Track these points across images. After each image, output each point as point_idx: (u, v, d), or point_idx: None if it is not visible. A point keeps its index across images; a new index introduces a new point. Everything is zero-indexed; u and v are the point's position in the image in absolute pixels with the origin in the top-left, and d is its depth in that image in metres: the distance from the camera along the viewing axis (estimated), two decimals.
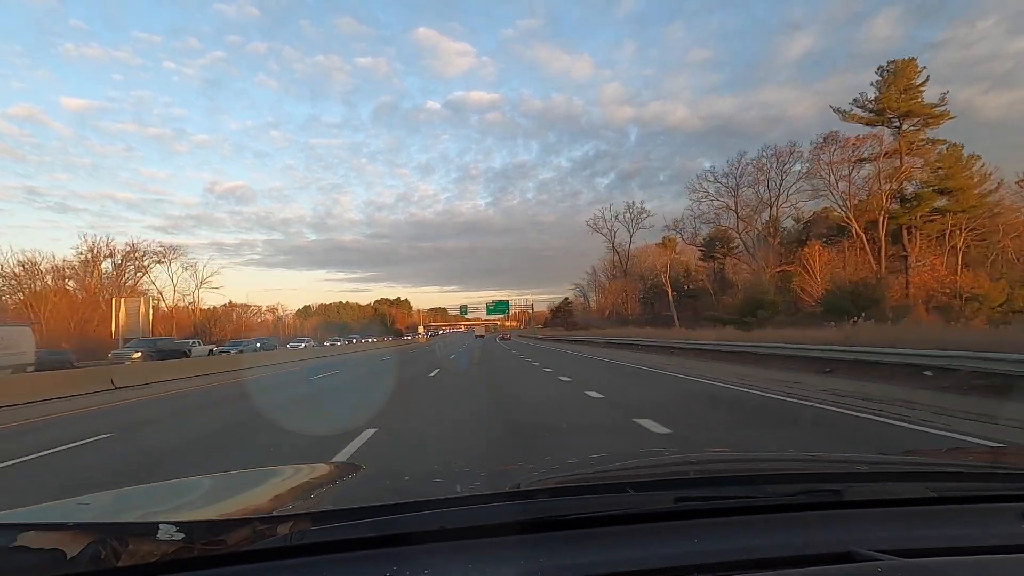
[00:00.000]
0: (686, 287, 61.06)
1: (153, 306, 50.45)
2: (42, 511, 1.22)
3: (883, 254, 39.34)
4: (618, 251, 73.23)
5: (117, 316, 37.87)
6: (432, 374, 17.23)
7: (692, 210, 54.79)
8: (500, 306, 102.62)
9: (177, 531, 0.88)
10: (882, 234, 39.05)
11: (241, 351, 38.89)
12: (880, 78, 40.07)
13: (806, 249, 41.99)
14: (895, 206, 39.59)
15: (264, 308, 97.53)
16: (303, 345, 54.02)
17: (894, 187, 39.24)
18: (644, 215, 69.30)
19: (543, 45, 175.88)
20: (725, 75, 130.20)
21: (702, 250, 58.38)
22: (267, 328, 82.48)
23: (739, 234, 51.96)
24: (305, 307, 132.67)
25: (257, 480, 1.59)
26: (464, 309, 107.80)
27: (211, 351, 37.58)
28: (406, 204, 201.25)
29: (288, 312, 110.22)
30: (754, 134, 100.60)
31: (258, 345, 45.80)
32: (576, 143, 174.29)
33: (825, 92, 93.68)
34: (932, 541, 0.99)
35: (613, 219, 72.36)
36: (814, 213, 46.83)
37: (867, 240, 40.00)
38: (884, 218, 39.00)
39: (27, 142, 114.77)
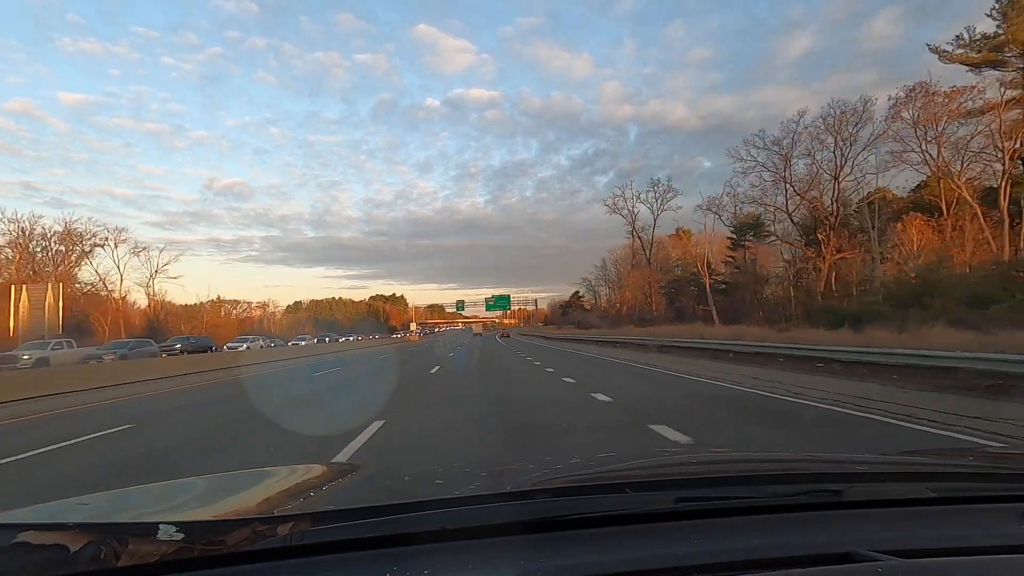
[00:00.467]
0: (708, 281, 50.81)
1: (91, 298, 42.24)
2: (42, 511, 1.23)
3: (1007, 230, 30.34)
4: (640, 236, 62.78)
5: (16, 307, 30.67)
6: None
7: (731, 186, 44.15)
8: (500, 301, 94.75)
9: (177, 531, 0.89)
10: (1004, 204, 30.27)
11: (123, 356, 26.04)
12: (998, 3, 29.57)
13: (899, 225, 34.21)
14: (1015, 170, 30.60)
15: (254, 304, 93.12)
16: (244, 347, 39.84)
17: (1017, 146, 30.11)
18: (671, 195, 58.92)
19: (543, 43, 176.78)
20: (725, 74, 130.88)
21: (731, 238, 49.68)
22: (250, 325, 73.73)
23: (789, 213, 41.32)
24: (295, 303, 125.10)
25: (257, 480, 1.60)
26: (460, 305, 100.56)
27: (89, 358, 24.88)
28: (405, 201, 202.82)
29: (279, 308, 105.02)
30: (753, 133, 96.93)
31: (177, 347, 33.34)
32: (575, 141, 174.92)
33: (824, 92, 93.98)
34: (932, 541, 0.98)
35: (635, 199, 61.69)
36: (879, 191, 37.31)
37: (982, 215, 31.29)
38: (1006, 185, 30.33)
39: (24, 137, 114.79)
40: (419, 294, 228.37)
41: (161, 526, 0.91)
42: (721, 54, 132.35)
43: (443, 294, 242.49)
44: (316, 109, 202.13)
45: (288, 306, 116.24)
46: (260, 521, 0.95)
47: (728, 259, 52.64)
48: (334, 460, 6.06)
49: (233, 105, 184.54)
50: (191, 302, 67.74)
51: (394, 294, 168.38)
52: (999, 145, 31.02)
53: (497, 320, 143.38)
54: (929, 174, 34.87)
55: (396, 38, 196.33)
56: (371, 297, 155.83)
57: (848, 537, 0.96)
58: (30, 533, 0.88)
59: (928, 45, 33.33)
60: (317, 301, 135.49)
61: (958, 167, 33.16)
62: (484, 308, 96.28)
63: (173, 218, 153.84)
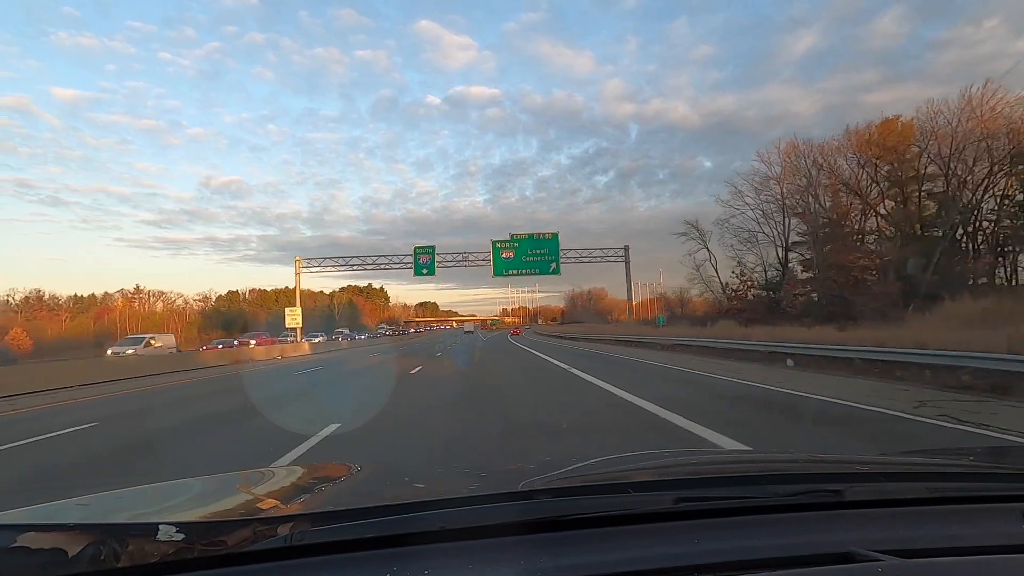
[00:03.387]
0: None
1: None
2: (42, 512, 1.23)
3: None
4: None
5: None
6: None
7: None
8: (538, 248, 39.49)
9: (177, 531, 0.89)
10: None
11: None
12: None
13: None
14: None
15: (192, 295, 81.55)
16: None
17: None
18: None
19: (545, 39, 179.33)
20: (727, 72, 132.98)
21: None
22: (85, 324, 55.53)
23: None
24: (230, 293, 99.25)
25: (257, 480, 1.60)
26: (428, 258, 40.49)
27: None
28: (403, 201, 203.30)
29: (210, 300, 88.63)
30: (754, 132, 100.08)
31: None
32: (576, 140, 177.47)
33: (827, 91, 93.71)
34: (932, 541, 0.98)
35: None
36: None
37: None
38: None
39: (17, 133, 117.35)
40: (414, 294, 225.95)
41: (161, 526, 0.90)
42: (724, 51, 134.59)
43: (440, 294, 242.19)
44: (315, 106, 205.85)
45: (220, 296, 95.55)
46: (260, 521, 0.95)
47: None
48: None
49: (231, 102, 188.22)
50: (83, 292, 53.96)
51: (370, 285, 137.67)
52: None
53: (499, 317, 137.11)
54: None
55: (397, 34, 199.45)
56: (340, 289, 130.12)
57: (848, 537, 0.96)
58: (30, 534, 0.87)
59: None
60: (262, 292, 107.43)
61: None
62: (492, 268, 39.34)
63: (169, 216, 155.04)
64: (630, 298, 44.27)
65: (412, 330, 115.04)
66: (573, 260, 42.20)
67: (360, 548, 0.91)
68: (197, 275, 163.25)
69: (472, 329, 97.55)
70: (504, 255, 39.56)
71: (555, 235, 39.86)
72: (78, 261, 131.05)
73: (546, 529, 0.96)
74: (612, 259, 43.09)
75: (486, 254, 40.10)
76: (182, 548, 0.87)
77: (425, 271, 40.57)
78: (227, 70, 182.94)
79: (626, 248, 42.64)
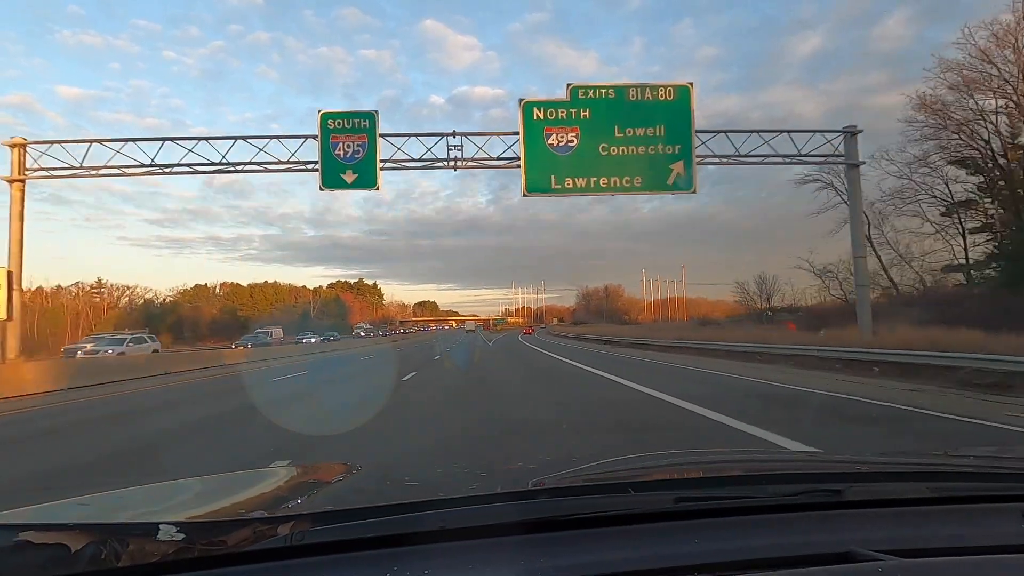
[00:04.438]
0: None
1: None
2: (42, 511, 1.22)
3: None
4: None
5: None
6: None
7: None
8: (640, 123, 15.85)
9: (177, 531, 0.89)
10: None
11: None
12: None
13: None
14: None
15: (165, 291, 70.65)
16: None
17: None
18: None
19: (550, 40, 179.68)
20: (732, 74, 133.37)
21: None
22: None
23: None
24: (197, 287, 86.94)
25: (257, 480, 1.59)
26: (350, 152, 15.74)
27: None
28: (406, 201, 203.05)
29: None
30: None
31: None
32: None
33: (832, 93, 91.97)
34: (932, 541, 0.98)
35: None
36: None
37: None
38: None
39: (21, 131, 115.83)
40: (413, 294, 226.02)
41: (161, 526, 0.90)
42: (729, 53, 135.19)
43: (442, 295, 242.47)
44: (319, 105, 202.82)
45: (185, 291, 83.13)
46: (260, 521, 0.95)
47: None
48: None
49: (234, 101, 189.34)
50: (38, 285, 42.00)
51: (361, 280, 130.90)
52: None
53: (501, 317, 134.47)
54: None
55: (402, 34, 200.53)
56: (328, 285, 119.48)
57: (848, 537, 0.96)
58: (30, 533, 0.87)
59: None
60: (237, 286, 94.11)
61: None
62: (523, 175, 15.55)
63: (172, 215, 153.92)
64: (859, 248, 18.44)
65: (401, 331, 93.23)
66: (720, 160, 18.53)
67: (360, 548, 0.91)
68: (197, 273, 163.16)
69: (473, 328, 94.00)
70: (552, 140, 16.37)
71: (685, 89, 17.14)
72: (80, 260, 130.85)
73: (546, 529, 0.96)
74: (815, 156, 18.23)
75: (512, 142, 16.78)
76: (182, 548, 0.87)
77: (352, 175, 16.61)
78: (231, 69, 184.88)
79: (850, 131, 17.67)
